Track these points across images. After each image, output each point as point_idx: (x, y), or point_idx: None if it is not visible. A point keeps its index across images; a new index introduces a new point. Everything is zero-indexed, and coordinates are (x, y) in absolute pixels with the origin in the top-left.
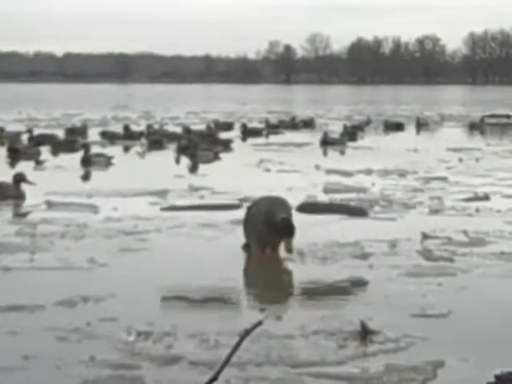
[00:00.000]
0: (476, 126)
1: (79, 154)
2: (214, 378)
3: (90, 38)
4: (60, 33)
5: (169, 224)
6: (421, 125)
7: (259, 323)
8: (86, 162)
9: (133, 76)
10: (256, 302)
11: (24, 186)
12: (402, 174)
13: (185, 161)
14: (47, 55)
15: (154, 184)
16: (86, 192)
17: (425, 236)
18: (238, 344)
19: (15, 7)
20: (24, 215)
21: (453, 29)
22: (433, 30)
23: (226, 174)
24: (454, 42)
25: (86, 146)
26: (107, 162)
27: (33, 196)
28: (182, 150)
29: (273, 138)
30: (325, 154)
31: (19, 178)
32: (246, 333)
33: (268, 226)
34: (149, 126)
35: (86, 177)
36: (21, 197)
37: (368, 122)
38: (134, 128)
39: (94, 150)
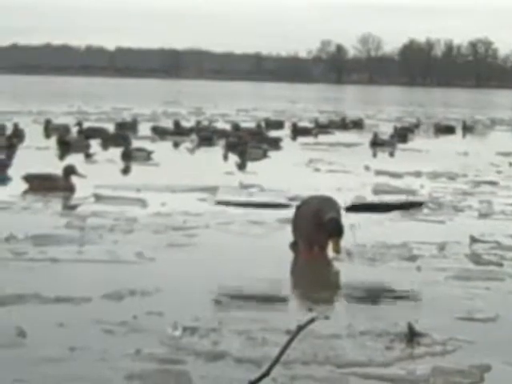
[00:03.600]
0: None
1: None
2: (266, 374)
3: (142, 33)
4: (112, 27)
5: (217, 220)
6: (467, 128)
7: (312, 320)
8: (127, 156)
9: (183, 72)
10: (303, 301)
11: (74, 179)
12: (452, 177)
13: (233, 158)
14: (98, 49)
15: (204, 180)
16: (135, 186)
17: (473, 240)
18: (291, 340)
19: (67, 1)
20: (73, 208)
21: (506, 32)
22: (485, 33)
23: (275, 172)
24: (507, 45)
25: (127, 140)
26: (147, 156)
27: (82, 189)
28: (230, 147)
29: (322, 138)
30: (374, 155)
31: (70, 171)
32: (299, 329)
33: (317, 225)
34: (198, 123)
35: (126, 170)
36: (71, 189)
37: (418, 125)
38: (184, 124)
39: (144, 144)
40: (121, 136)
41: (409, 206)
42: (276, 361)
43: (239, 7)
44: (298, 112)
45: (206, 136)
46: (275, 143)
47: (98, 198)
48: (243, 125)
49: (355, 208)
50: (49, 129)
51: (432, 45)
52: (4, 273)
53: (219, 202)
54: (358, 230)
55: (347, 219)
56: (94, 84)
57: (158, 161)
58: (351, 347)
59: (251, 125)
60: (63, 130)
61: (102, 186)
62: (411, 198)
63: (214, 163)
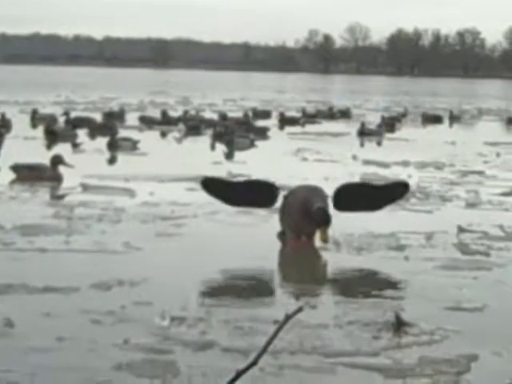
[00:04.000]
0: None
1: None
2: (254, 363)
3: (130, 23)
4: (100, 16)
5: (205, 210)
6: (454, 118)
7: (300, 309)
8: (112, 145)
9: (171, 61)
10: (290, 291)
11: (61, 169)
12: (439, 166)
13: (220, 147)
14: (87, 39)
15: (191, 170)
16: (123, 176)
17: (461, 229)
18: (279, 329)
19: None
20: (61, 197)
21: (493, 22)
22: (473, 23)
23: (262, 162)
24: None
25: (113, 130)
26: (133, 145)
27: (70, 179)
28: (217, 137)
29: (310, 128)
30: (362, 144)
31: (57, 160)
32: (287, 318)
33: (304, 214)
34: (185, 112)
35: (112, 160)
36: (58, 179)
37: (405, 114)
38: (172, 113)
39: (132, 134)
40: (107, 126)
41: (394, 187)
42: (264, 350)
43: None
44: (286, 102)
45: (194, 125)
46: (262, 133)
47: (86, 187)
48: (230, 114)
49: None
50: (35, 118)
51: (420, 34)
52: None
53: (205, 181)
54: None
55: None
56: (82, 73)
57: (146, 150)
58: (338, 337)
59: (239, 114)
60: (50, 120)
61: (89, 175)
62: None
63: (202, 153)
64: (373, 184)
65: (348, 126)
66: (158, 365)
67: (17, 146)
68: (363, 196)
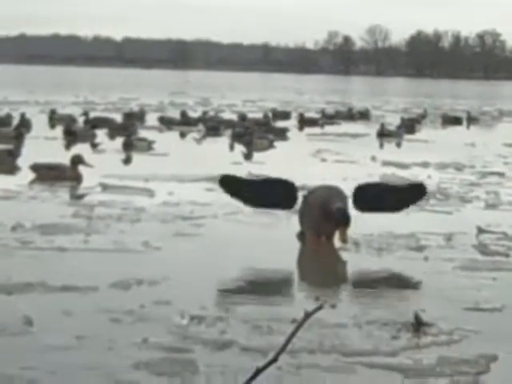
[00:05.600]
0: None
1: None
2: (274, 360)
3: (149, 24)
4: (119, 17)
5: (225, 210)
6: (471, 119)
7: (320, 307)
8: (128, 145)
9: (190, 62)
10: (310, 291)
11: (81, 168)
12: (459, 167)
13: (239, 148)
14: (106, 39)
15: (211, 170)
16: (142, 176)
17: (480, 230)
18: (299, 326)
19: None
20: (80, 197)
21: None
22: (493, 25)
23: (282, 163)
24: None
25: (129, 130)
26: (149, 146)
27: (89, 178)
28: (236, 137)
29: (329, 129)
30: (381, 145)
31: (77, 160)
32: (307, 315)
33: (323, 214)
34: (204, 113)
35: (128, 160)
36: (78, 179)
37: (424, 116)
38: (191, 114)
39: (152, 134)
40: (127, 126)
41: (412, 189)
42: (284, 347)
43: None
44: (305, 103)
45: (213, 126)
46: (282, 133)
47: (105, 187)
48: (250, 115)
49: (363, 198)
50: (54, 119)
51: (440, 36)
52: (11, 261)
53: (223, 179)
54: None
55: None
56: (101, 74)
57: (165, 151)
58: (357, 336)
59: (258, 115)
60: (69, 120)
61: (108, 175)
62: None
63: (221, 153)
64: (391, 184)
65: (367, 127)
66: (176, 364)
67: (36, 145)
68: (381, 196)
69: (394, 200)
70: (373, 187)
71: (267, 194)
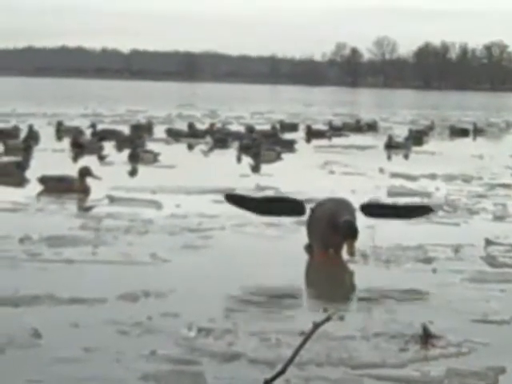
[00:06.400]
0: None
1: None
2: (282, 371)
3: (157, 36)
4: (126, 30)
5: (233, 222)
6: (477, 131)
7: (329, 318)
8: (134, 157)
9: (198, 74)
10: (317, 303)
11: (89, 181)
12: (467, 179)
13: (246, 160)
14: (113, 52)
15: (219, 182)
16: (150, 188)
17: (488, 242)
18: (307, 337)
19: (82, 3)
20: (88, 209)
21: None
22: (500, 36)
23: (289, 175)
24: None
25: (135, 143)
26: (154, 158)
27: (96, 190)
28: (243, 149)
29: (336, 140)
30: (389, 157)
31: (85, 172)
32: (316, 326)
33: (331, 227)
34: (211, 125)
35: (136, 172)
36: (86, 191)
37: (432, 127)
38: (199, 126)
39: (159, 146)
40: (134, 138)
41: (418, 210)
42: (292, 359)
43: (254, 10)
44: (313, 115)
45: (221, 138)
46: (289, 145)
47: (113, 199)
48: (258, 127)
49: (369, 210)
50: (61, 131)
51: (447, 48)
52: (19, 274)
53: (228, 197)
54: (375, 232)
55: (363, 221)
56: (108, 86)
57: (172, 163)
58: (365, 348)
59: (266, 127)
60: (76, 132)
61: (116, 187)
62: (420, 203)
63: (228, 165)
64: (397, 205)
65: (375, 138)
66: (184, 376)
67: (44, 157)
68: (387, 215)
69: (400, 217)
70: (377, 208)
71: (274, 211)
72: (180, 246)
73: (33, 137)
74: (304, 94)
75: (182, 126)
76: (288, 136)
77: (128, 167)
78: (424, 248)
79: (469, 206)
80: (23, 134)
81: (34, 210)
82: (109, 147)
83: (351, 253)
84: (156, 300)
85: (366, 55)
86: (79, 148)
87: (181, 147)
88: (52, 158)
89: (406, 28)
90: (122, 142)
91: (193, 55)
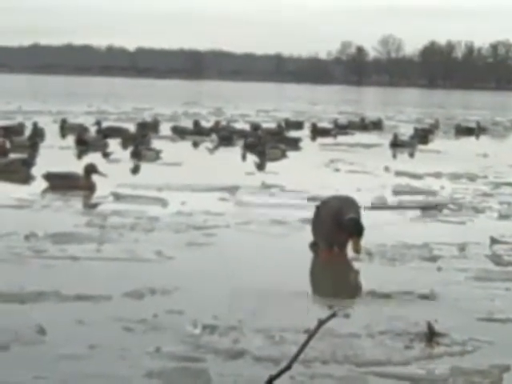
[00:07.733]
0: None
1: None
2: (288, 367)
3: (162, 34)
4: (132, 28)
5: (238, 220)
6: (481, 129)
7: (333, 315)
8: (136, 155)
9: (203, 73)
10: (322, 301)
11: (94, 178)
12: (472, 178)
13: (251, 158)
14: (119, 50)
15: (224, 180)
16: (155, 185)
17: (493, 240)
18: (312, 334)
19: (88, 2)
20: (94, 206)
21: None
22: (506, 35)
23: (294, 173)
24: None
25: (138, 140)
26: (156, 155)
27: (101, 188)
28: (248, 147)
29: (341, 139)
30: (394, 155)
31: (90, 169)
32: (321, 323)
33: (337, 225)
34: (217, 123)
35: (138, 170)
36: (91, 188)
37: (437, 126)
38: (204, 124)
39: (165, 144)
40: (139, 136)
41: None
42: (297, 355)
43: (260, 9)
44: (318, 113)
45: (226, 136)
46: (294, 143)
47: (118, 196)
48: (264, 125)
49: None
50: (65, 128)
51: (452, 47)
52: (24, 270)
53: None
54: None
55: (368, 218)
56: (114, 84)
57: (178, 160)
58: (370, 346)
59: (271, 125)
60: (80, 130)
61: (121, 184)
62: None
63: (234, 163)
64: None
65: (380, 137)
66: (189, 373)
67: (49, 155)
68: None
69: None
70: None
71: None
72: (185, 244)
73: (38, 134)
74: (309, 93)
75: (188, 123)
76: (293, 134)
77: (132, 164)
78: (429, 246)
79: (474, 205)
80: (28, 132)
81: (39, 207)
82: (114, 145)
83: (357, 250)
84: (161, 297)
85: (372, 54)
86: (84, 145)
87: (186, 145)
88: (57, 155)
89: (412, 27)
90: (127, 139)
91: (198, 53)
